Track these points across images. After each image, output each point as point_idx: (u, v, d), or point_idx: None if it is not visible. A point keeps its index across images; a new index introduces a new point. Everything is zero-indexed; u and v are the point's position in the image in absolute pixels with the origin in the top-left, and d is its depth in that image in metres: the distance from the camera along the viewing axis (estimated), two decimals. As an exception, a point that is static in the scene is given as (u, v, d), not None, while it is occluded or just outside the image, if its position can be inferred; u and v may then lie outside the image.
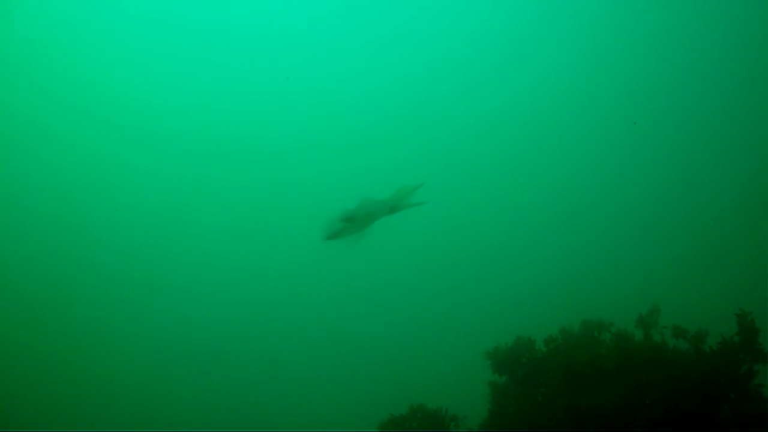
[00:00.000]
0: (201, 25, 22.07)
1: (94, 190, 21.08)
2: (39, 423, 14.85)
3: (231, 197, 21.55)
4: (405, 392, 7.32)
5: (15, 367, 16.47)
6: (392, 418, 6.24)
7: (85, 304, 18.76)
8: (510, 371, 6.26)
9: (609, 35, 20.77)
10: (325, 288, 18.80)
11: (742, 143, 19.28)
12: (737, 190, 18.68)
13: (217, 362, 17.49)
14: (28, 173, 20.72)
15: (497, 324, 14.02)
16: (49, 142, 21.17)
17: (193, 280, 19.82)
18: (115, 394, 16.40)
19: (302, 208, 19.63)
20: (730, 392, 5.23)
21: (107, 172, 21.33)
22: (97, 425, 15.11)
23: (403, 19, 22.05)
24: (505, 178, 21.02)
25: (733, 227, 17.68)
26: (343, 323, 18.07)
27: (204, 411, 15.99)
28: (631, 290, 14.59)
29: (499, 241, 19.68)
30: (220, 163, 21.85)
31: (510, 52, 21.64)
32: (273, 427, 14.81)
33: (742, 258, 15.96)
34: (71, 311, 18.51)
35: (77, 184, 21.07)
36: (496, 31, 21.57)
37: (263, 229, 20.76)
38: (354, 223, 5.89)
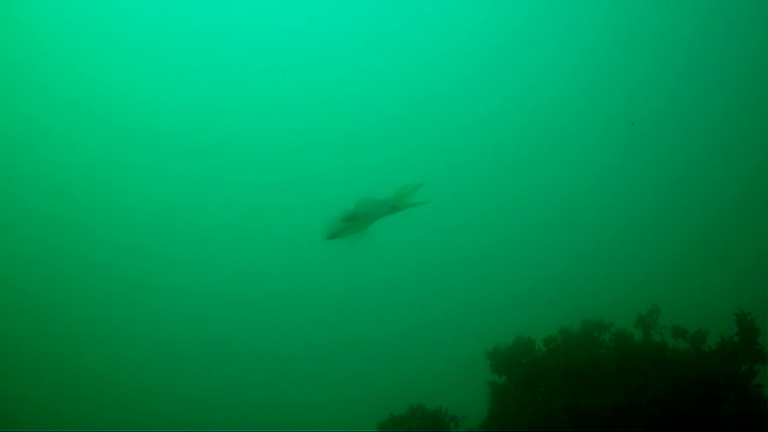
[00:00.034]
0: (202, 25, 22.08)
1: (94, 190, 21.09)
2: (39, 423, 14.85)
3: (232, 197, 21.56)
4: (404, 392, 7.32)
5: (15, 367, 16.48)
6: (392, 417, 6.24)
7: (85, 304, 18.77)
8: (509, 371, 6.26)
9: (609, 35, 20.78)
10: (324, 288, 18.81)
11: (742, 143, 19.28)
12: (737, 190, 18.68)
13: (216, 362, 17.50)
14: (28, 173, 20.72)
15: (497, 324, 14.03)
16: (49, 142, 21.18)
17: (194, 280, 19.83)
18: (115, 394, 16.41)
19: (303, 208, 19.64)
20: (729, 392, 5.23)
21: (108, 171, 21.35)
22: (97, 425, 15.11)
23: (403, 18, 22.05)
24: (505, 178, 21.03)
25: (732, 227, 17.68)
26: (342, 323, 18.08)
27: (204, 410, 15.99)
28: (631, 290, 14.60)
29: (499, 241, 19.69)
30: (220, 163, 21.86)
31: (510, 52, 21.65)
32: (273, 427, 14.81)
33: (742, 258, 15.96)
34: (71, 311, 18.51)
35: (77, 183, 21.08)
36: (497, 31, 21.58)
37: (264, 229, 20.77)
38: (355, 222, 5.90)
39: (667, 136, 20.21)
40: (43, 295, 18.60)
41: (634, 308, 6.36)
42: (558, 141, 21.01)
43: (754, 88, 19.28)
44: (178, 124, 22.01)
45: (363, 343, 17.13)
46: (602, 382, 5.51)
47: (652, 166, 20.07)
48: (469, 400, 6.33)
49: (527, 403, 5.75)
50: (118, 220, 20.84)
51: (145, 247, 20.49)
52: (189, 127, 22.04)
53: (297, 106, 22.19)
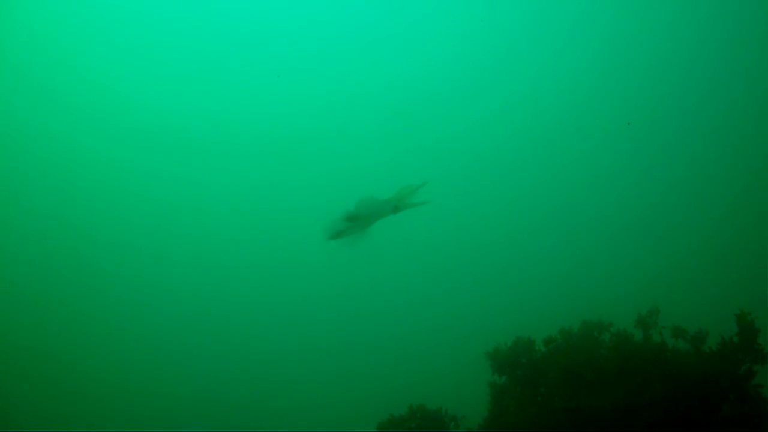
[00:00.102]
0: (203, 26, 22.09)
1: (95, 191, 21.10)
2: (39, 423, 14.85)
3: (233, 198, 21.57)
4: (404, 392, 7.32)
5: (14, 367, 16.48)
6: (391, 418, 6.24)
7: (86, 305, 18.76)
8: (510, 371, 6.26)
9: (609, 36, 20.78)
10: (325, 288, 18.81)
11: (742, 144, 19.28)
12: (737, 190, 18.69)
13: (217, 363, 17.50)
14: (28, 174, 20.73)
15: (497, 324, 14.02)
16: (49, 142, 21.19)
17: (195, 280, 19.84)
18: (116, 394, 16.40)
19: (304, 209, 19.65)
20: (729, 393, 5.23)
21: (109, 172, 21.35)
22: (98, 425, 15.11)
23: (406, 18, 22.07)
24: (506, 178, 21.03)
25: (732, 228, 17.68)
26: (343, 323, 18.08)
27: (204, 411, 15.99)
28: (631, 290, 14.60)
29: (499, 242, 19.69)
30: (222, 163, 21.87)
31: (512, 54, 21.66)
32: (273, 427, 14.81)
33: (742, 258, 15.97)
34: (72, 312, 18.51)
35: (80, 184, 21.09)
36: (498, 32, 21.59)
37: (265, 230, 20.77)
38: (356, 222, 5.90)
39: (668, 137, 20.22)
40: (43, 296, 18.60)
41: (634, 308, 6.37)
42: (558, 142, 21.02)
43: (754, 89, 19.29)
44: (179, 124, 22.03)
45: (363, 343, 17.13)
46: (602, 383, 5.50)
47: (652, 167, 20.08)
48: (470, 401, 6.33)
49: (527, 403, 5.75)
50: (120, 221, 20.86)
51: (146, 248, 20.51)
52: (190, 128, 22.06)
53: (299, 107, 22.21)
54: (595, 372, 5.54)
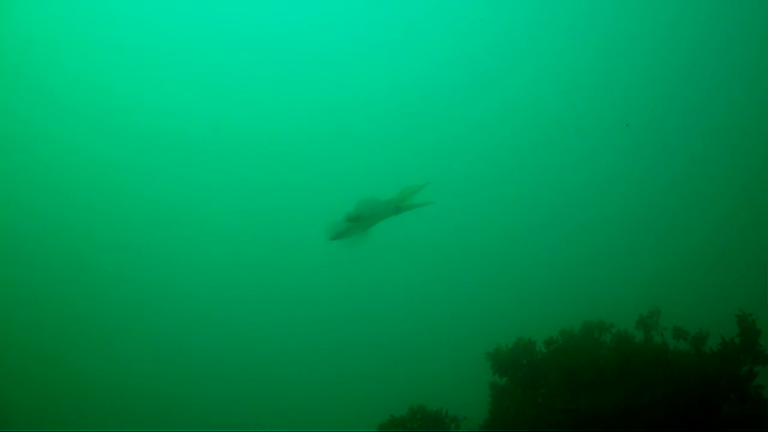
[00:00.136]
0: (205, 27, 22.09)
1: (97, 192, 21.11)
2: (39, 423, 14.85)
3: (235, 198, 21.56)
4: (405, 393, 7.31)
5: (14, 368, 16.47)
6: (392, 419, 6.24)
7: (86, 306, 18.76)
8: (510, 372, 6.26)
9: (610, 36, 20.78)
10: (326, 289, 18.80)
11: (742, 144, 19.28)
12: (738, 191, 18.68)
13: (217, 363, 17.49)
14: (28, 174, 20.73)
15: (497, 325, 14.02)
16: (49, 143, 21.19)
17: (197, 281, 19.83)
18: (116, 395, 16.40)
19: (306, 209, 19.66)
20: (730, 393, 5.23)
21: (111, 174, 21.35)
22: (98, 426, 15.10)
23: (406, 20, 22.07)
24: (506, 179, 21.03)
25: (733, 229, 17.68)
26: (343, 324, 18.07)
27: (204, 411, 15.99)
28: (632, 291, 14.60)
29: (500, 243, 19.68)
30: (223, 164, 21.87)
31: (513, 55, 21.65)
32: (273, 427, 14.81)
33: (743, 259, 15.96)
34: (72, 312, 18.50)
35: (82, 185, 21.09)
36: (499, 33, 21.58)
37: (267, 230, 20.76)
38: (358, 223, 5.90)
39: (668, 137, 20.22)
40: (43, 296, 18.60)
41: (634, 309, 6.37)
42: (558, 142, 21.02)
43: (754, 89, 19.29)
44: (180, 125, 22.03)
45: (364, 344, 17.13)
46: (603, 384, 5.50)
47: (653, 167, 20.08)
48: (470, 402, 6.33)
49: (528, 404, 5.75)
50: (120, 222, 20.86)
51: (146, 249, 20.50)
52: (191, 129, 22.06)
53: (300, 108, 22.21)
54: (596, 373, 5.54)
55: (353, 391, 15.34)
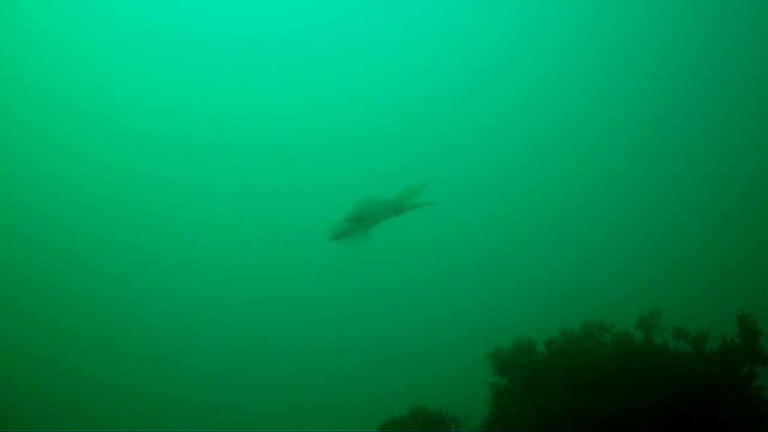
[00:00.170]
0: (206, 28, 22.08)
1: (98, 192, 21.11)
2: (39, 423, 14.85)
3: (236, 199, 21.56)
4: (405, 393, 7.31)
5: (14, 368, 16.47)
6: (393, 419, 6.24)
7: (87, 306, 18.76)
8: (511, 373, 6.26)
9: (610, 36, 20.78)
10: (327, 289, 18.80)
11: (743, 144, 19.28)
12: (738, 191, 18.68)
13: (217, 363, 17.49)
14: (28, 175, 20.73)
15: (498, 325, 14.02)
16: (49, 144, 21.19)
17: (196, 281, 19.84)
18: (116, 395, 16.40)
19: (307, 210, 19.66)
20: (730, 394, 5.23)
21: (112, 174, 21.36)
22: (98, 426, 15.10)
23: (407, 21, 22.06)
24: (506, 179, 21.03)
25: (734, 229, 17.68)
26: (344, 324, 18.07)
27: (204, 411, 15.99)
28: (632, 292, 14.60)
29: (500, 243, 19.68)
30: (224, 164, 21.87)
31: (512, 54, 21.65)
32: (273, 427, 14.81)
33: (743, 260, 15.95)
34: (72, 313, 18.51)
35: (85, 186, 21.09)
36: (499, 33, 21.58)
37: (268, 230, 20.76)
38: (359, 223, 5.90)
39: (668, 137, 20.22)
40: (43, 296, 18.61)
41: (635, 309, 6.37)
42: (560, 143, 21.02)
43: (754, 90, 19.29)
44: (180, 125, 22.03)
45: (364, 344, 17.13)
46: (603, 384, 5.50)
47: (653, 168, 20.08)
48: (471, 402, 6.33)
49: (528, 404, 5.75)
50: (120, 222, 20.86)
51: (146, 249, 20.50)
52: (192, 129, 22.06)
53: (300, 108, 22.21)
54: (597, 373, 5.54)
55: (353, 391, 15.35)
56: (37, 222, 20.08)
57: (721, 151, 19.49)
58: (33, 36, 20.81)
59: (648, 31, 20.44)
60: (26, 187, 20.59)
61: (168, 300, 19.14)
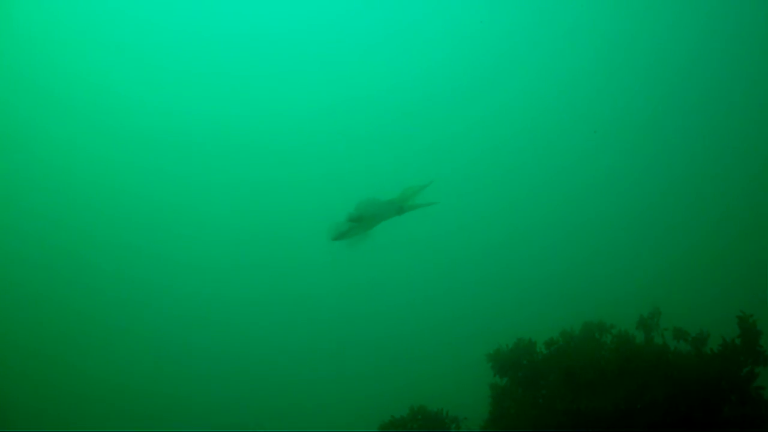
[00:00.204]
0: (206, 28, 22.09)
1: (99, 192, 21.12)
2: (39, 423, 14.85)
3: (236, 199, 21.56)
4: (405, 393, 7.31)
5: (14, 368, 16.48)
6: (393, 419, 6.24)
7: (87, 306, 18.76)
8: (511, 373, 6.26)
9: (610, 36, 20.79)
10: (327, 289, 18.81)
11: (743, 144, 19.28)
12: (738, 191, 18.68)
13: (217, 363, 17.50)
14: (28, 174, 20.73)
15: (498, 325, 14.02)
16: (49, 143, 21.19)
17: (196, 281, 19.84)
18: (117, 395, 16.40)
19: (307, 210, 19.67)
20: (731, 395, 5.23)
21: (112, 173, 21.36)
22: (98, 426, 15.10)
23: (407, 21, 22.07)
24: (506, 179, 21.03)
25: (734, 229, 17.67)
26: (344, 324, 18.07)
27: (204, 411, 15.99)
28: (632, 292, 14.60)
29: (500, 243, 19.68)
30: (224, 164, 21.87)
31: (513, 54, 21.65)
32: (273, 427, 14.81)
33: (744, 260, 15.95)
34: (72, 313, 18.51)
35: (86, 186, 21.09)
36: (499, 33, 21.58)
37: (268, 230, 20.76)
38: (360, 223, 5.90)
39: (668, 137, 20.22)
40: (43, 296, 18.61)
41: (635, 309, 6.37)
42: (560, 143, 21.02)
43: (755, 90, 19.29)
44: (181, 125, 22.04)
45: (364, 344, 17.13)
46: (603, 384, 5.50)
47: (653, 168, 20.08)
48: (471, 402, 6.33)
49: (528, 405, 5.75)
50: (120, 222, 20.86)
51: (146, 249, 20.50)
52: (192, 129, 22.06)
53: (301, 108, 22.21)
54: (597, 374, 5.54)
55: (353, 391, 15.35)
56: (37, 222, 20.07)
57: (721, 151, 19.49)
58: (33, 36, 20.82)
59: (648, 32, 20.44)
60: (26, 187, 20.60)
61: (168, 300, 19.14)
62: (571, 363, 5.74)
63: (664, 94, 20.35)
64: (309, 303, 18.84)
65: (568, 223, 19.71)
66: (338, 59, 22.31)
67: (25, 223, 19.97)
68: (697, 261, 16.94)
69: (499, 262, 18.94)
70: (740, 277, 14.60)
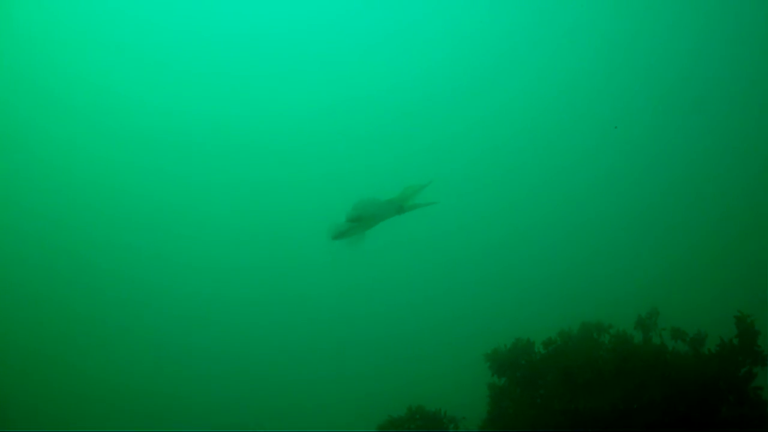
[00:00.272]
0: (207, 28, 22.09)
1: (99, 192, 21.12)
2: (39, 423, 14.85)
3: (236, 198, 21.57)
4: (404, 393, 7.32)
5: (14, 368, 16.48)
6: (391, 419, 6.25)
7: (87, 306, 18.77)
8: (509, 373, 6.26)
9: (610, 36, 20.78)
10: (326, 289, 18.81)
11: (743, 144, 19.27)
12: (737, 192, 18.67)
13: (217, 363, 17.50)
14: (28, 175, 20.74)
15: (497, 325, 14.02)
16: (49, 144, 21.20)
17: (196, 281, 19.84)
18: (117, 395, 16.40)
19: (307, 209, 19.66)
20: (729, 395, 5.23)
21: (111, 173, 21.37)
22: (98, 426, 15.10)
23: (407, 20, 22.07)
24: (506, 179, 21.03)
25: (732, 230, 17.67)
26: (343, 324, 18.07)
27: (204, 411, 15.99)
28: (630, 292, 14.59)
29: (498, 243, 19.68)
30: (224, 164, 21.88)
31: (513, 54, 21.65)
32: (273, 427, 14.81)
33: (743, 260, 15.93)
34: (73, 313, 18.51)
35: (82, 185, 21.09)
36: (499, 33, 21.58)
37: (268, 230, 20.76)
38: (360, 223, 5.90)
39: (668, 137, 20.21)
40: (43, 296, 18.62)
41: (633, 309, 6.37)
42: (560, 143, 21.01)
43: (754, 90, 19.28)
44: (181, 125, 22.05)
45: (363, 344, 17.12)
46: (601, 384, 5.50)
47: (653, 167, 20.07)
48: (469, 402, 6.33)
49: (526, 404, 5.75)
50: (120, 222, 20.87)
51: (146, 249, 20.50)
52: (192, 129, 22.07)
53: (301, 108, 22.21)
54: (595, 374, 5.54)
55: (353, 391, 15.34)
56: (37, 222, 20.08)
57: (721, 151, 19.48)
58: (33, 36, 20.83)
59: (648, 31, 20.44)
60: (26, 187, 20.61)
61: (168, 300, 19.14)
62: (568, 363, 5.74)
63: (664, 94, 20.35)
64: (309, 303, 18.84)
65: (568, 223, 19.70)
66: (338, 59, 22.32)
67: (25, 223, 19.98)
68: (697, 261, 16.94)
69: (498, 262, 18.94)
70: (740, 278, 14.58)
